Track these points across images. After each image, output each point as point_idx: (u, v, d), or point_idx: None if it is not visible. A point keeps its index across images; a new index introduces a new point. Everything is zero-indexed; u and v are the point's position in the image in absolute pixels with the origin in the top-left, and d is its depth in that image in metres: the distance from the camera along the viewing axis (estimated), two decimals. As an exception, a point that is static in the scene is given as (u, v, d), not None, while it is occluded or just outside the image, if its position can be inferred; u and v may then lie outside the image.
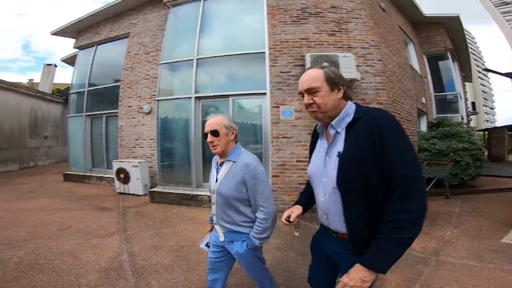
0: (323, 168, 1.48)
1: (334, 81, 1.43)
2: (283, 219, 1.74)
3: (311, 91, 1.44)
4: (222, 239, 2.07)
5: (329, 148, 1.48)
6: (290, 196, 5.75)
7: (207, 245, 2.38)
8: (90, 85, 9.88)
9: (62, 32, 11.11)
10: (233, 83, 6.57)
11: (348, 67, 5.42)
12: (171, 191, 6.53)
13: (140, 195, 7.25)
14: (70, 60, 13.18)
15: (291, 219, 1.70)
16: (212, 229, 2.36)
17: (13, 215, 5.51)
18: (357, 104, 1.49)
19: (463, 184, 7.13)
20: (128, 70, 8.68)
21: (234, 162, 1.98)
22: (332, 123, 1.45)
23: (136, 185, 7.28)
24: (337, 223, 1.45)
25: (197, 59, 6.86)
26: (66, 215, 5.57)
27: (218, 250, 2.14)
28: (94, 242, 4.21)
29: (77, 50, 11.04)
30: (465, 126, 8.33)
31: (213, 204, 2.10)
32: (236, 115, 6.43)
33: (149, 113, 8.01)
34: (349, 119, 1.42)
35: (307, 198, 1.81)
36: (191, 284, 3.08)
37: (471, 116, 12.41)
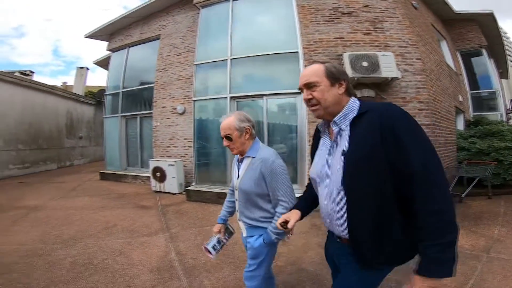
0: (327, 169, 1.39)
1: (335, 76, 1.36)
2: (277, 223, 1.65)
3: (309, 86, 1.37)
4: (245, 234, 2.08)
5: (332, 147, 1.38)
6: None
7: (214, 247, 2.28)
8: (124, 86, 10.07)
9: (95, 35, 11.33)
10: (267, 82, 6.50)
11: (388, 66, 5.31)
12: (208, 189, 6.55)
13: (176, 194, 7.32)
14: (102, 63, 13.51)
15: (289, 226, 1.59)
16: (219, 230, 2.35)
17: (60, 213, 5.66)
18: (361, 100, 1.39)
19: (505, 184, 6.76)
20: (161, 71, 8.77)
21: (253, 157, 1.94)
22: (335, 119, 1.35)
23: (172, 184, 7.34)
24: (341, 228, 1.35)
25: (231, 59, 6.84)
26: (109, 213, 5.67)
27: None
28: (141, 240, 4.25)
29: (109, 52, 11.25)
30: (506, 125, 7.90)
31: (236, 200, 2.10)
32: (270, 114, 6.39)
33: (182, 113, 8.05)
34: (353, 115, 1.33)
35: (307, 202, 1.71)
36: (241, 282, 3.05)
37: (511, 114, 11.69)
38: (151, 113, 8.86)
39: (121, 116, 9.89)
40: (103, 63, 13.38)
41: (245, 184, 1.95)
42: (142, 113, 9.41)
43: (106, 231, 4.64)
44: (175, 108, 8.19)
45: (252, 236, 2.01)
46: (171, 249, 3.93)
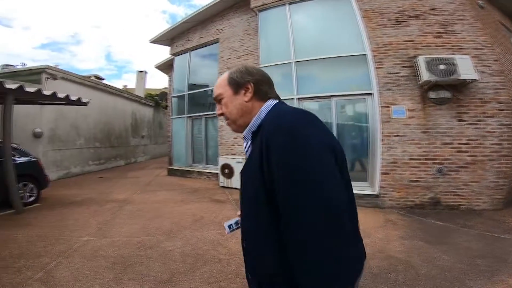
0: None
1: (237, 82, 1.09)
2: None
3: (218, 100, 1.15)
4: None
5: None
6: (399, 193, 5.54)
7: (229, 226, 2.27)
8: (189, 89, 10.39)
9: (158, 40, 11.79)
10: (334, 84, 6.43)
11: (466, 69, 5.09)
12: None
13: (243, 189, 7.44)
14: (162, 67, 14.02)
15: None
16: (240, 214, 2.35)
17: (148, 206, 5.98)
18: (278, 104, 1.08)
19: None
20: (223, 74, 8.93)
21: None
22: (244, 133, 1.12)
23: (239, 180, 7.47)
24: None
25: (295, 62, 6.84)
26: (191, 206, 5.92)
27: None
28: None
29: (171, 56, 11.68)
30: None
31: None
32: (339, 115, 6.31)
33: (246, 114, 8.16)
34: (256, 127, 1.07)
35: None
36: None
37: None
38: (215, 113, 9.03)
39: (187, 117, 10.23)
40: (163, 67, 13.92)
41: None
42: (207, 114, 9.66)
43: (197, 223, 4.83)
44: (239, 109, 8.30)
45: None
46: (259, 240, 4.04)
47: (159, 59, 13.12)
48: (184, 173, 9.84)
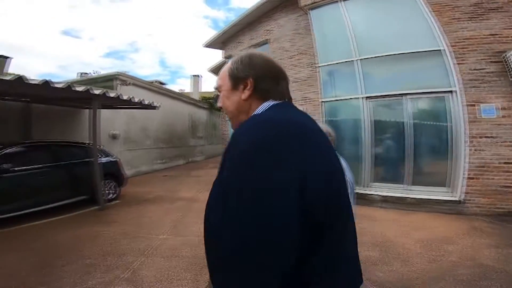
0: None
1: (237, 75, 0.90)
2: None
3: (218, 91, 0.99)
4: None
5: None
6: (487, 199, 4.92)
7: None
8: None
9: (211, 44, 12.08)
10: (406, 81, 5.85)
11: None
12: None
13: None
14: (216, 70, 14.35)
15: None
16: None
17: (217, 206, 5.97)
18: (271, 107, 0.87)
19: None
20: (277, 75, 8.76)
21: None
22: None
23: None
24: None
25: (359, 60, 6.38)
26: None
27: None
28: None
29: (224, 59, 11.87)
30: None
31: None
32: (414, 114, 5.73)
33: (304, 114, 7.91)
34: None
35: None
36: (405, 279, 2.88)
37: None
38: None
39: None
40: (216, 70, 14.21)
41: None
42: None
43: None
44: (298, 110, 8.07)
45: None
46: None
47: (209, 63, 13.49)
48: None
